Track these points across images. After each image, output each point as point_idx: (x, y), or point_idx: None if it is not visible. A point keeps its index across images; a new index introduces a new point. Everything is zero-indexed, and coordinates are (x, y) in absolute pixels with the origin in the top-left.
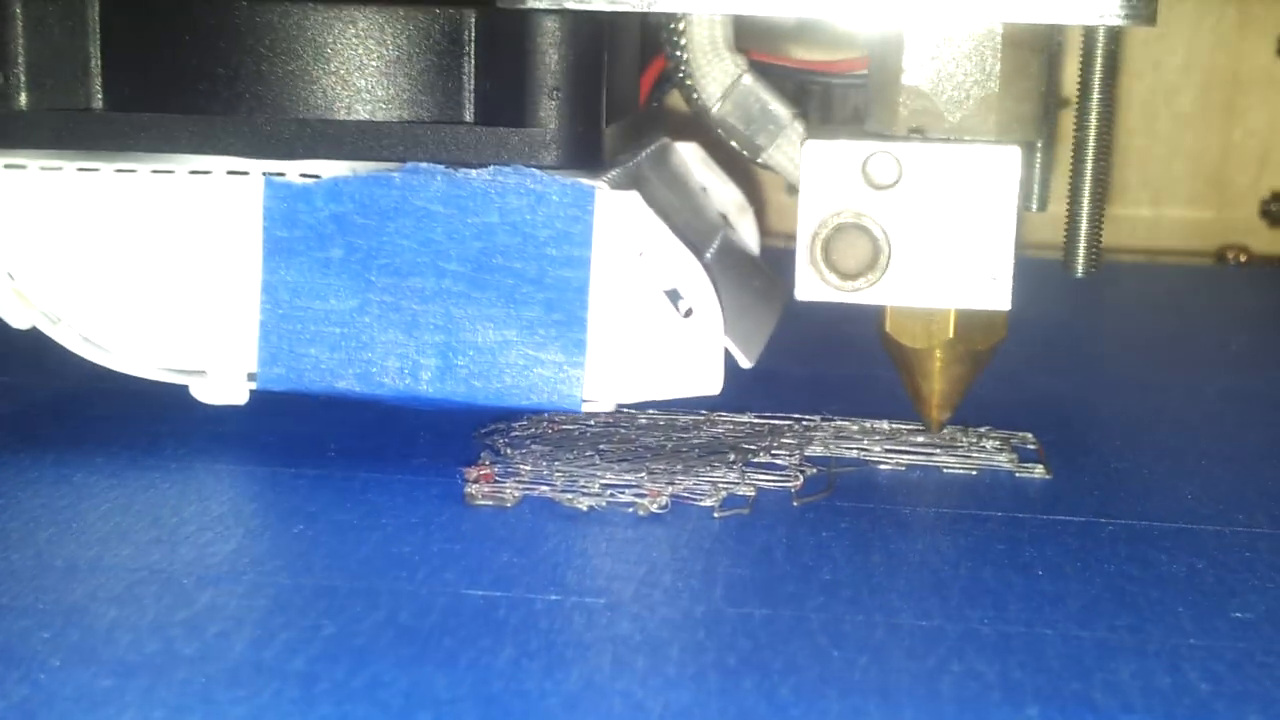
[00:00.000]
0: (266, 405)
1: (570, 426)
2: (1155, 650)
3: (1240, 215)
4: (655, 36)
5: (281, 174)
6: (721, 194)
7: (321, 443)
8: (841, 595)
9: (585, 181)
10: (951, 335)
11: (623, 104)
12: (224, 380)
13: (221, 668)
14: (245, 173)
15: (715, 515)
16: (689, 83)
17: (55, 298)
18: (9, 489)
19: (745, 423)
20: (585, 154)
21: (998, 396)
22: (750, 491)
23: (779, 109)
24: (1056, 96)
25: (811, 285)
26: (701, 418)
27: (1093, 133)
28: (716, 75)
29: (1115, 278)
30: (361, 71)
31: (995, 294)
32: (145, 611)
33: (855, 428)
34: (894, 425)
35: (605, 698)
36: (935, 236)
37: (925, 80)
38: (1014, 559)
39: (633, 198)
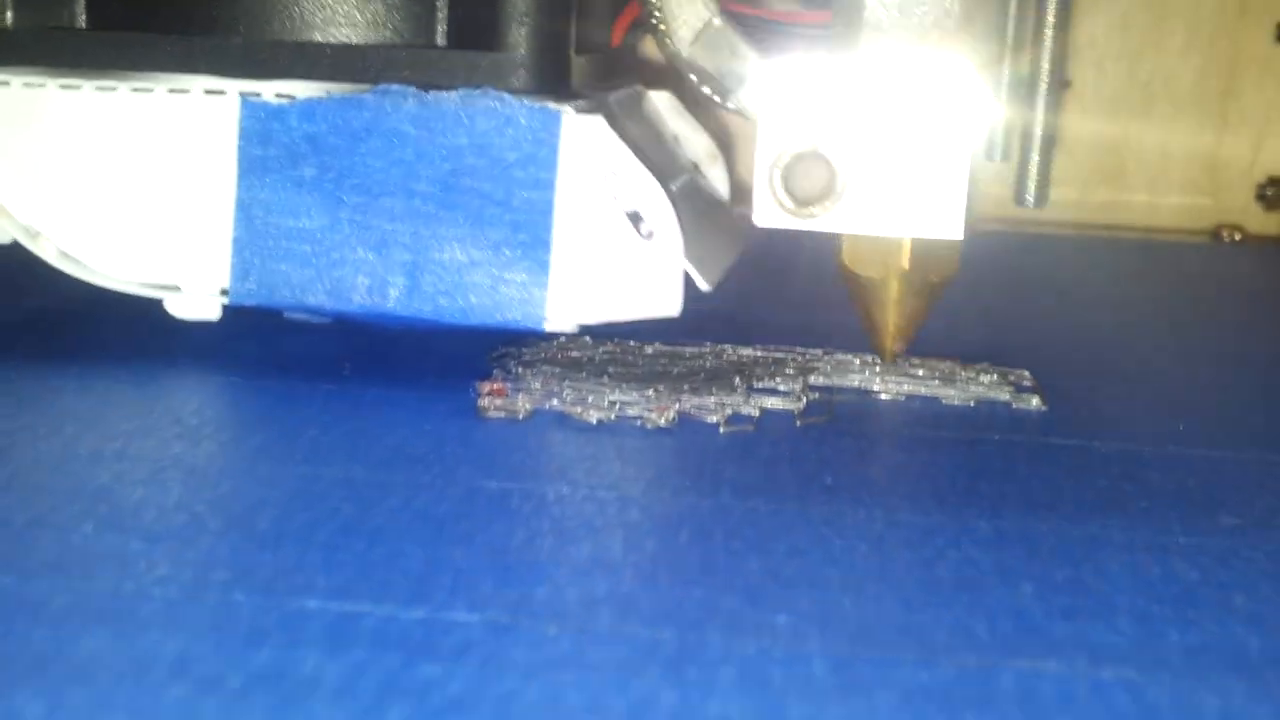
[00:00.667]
0: (281, 328)
1: (578, 354)
2: (1144, 545)
3: (1236, 201)
4: None
5: (258, 94)
6: (694, 142)
7: (335, 363)
8: (843, 496)
9: (552, 105)
10: (906, 266)
11: (593, 39)
12: (198, 295)
13: (247, 537)
14: (222, 92)
15: (721, 430)
16: (662, 27)
17: (35, 213)
18: (35, 392)
19: (749, 354)
20: (554, 79)
21: (996, 340)
22: (754, 411)
23: (749, 54)
24: (1059, 72)
25: (769, 211)
26: (707, 349)
27: (1046, 63)
28: (688, 18)
29: (1112, 252)
30: None
31: (949, 223)
32: (170, 492)
33: (856, 361)
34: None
35: (616, 569)
36: (892, 165)
37: (886, 16)
38: (1009, 473)
39: (597, 122)
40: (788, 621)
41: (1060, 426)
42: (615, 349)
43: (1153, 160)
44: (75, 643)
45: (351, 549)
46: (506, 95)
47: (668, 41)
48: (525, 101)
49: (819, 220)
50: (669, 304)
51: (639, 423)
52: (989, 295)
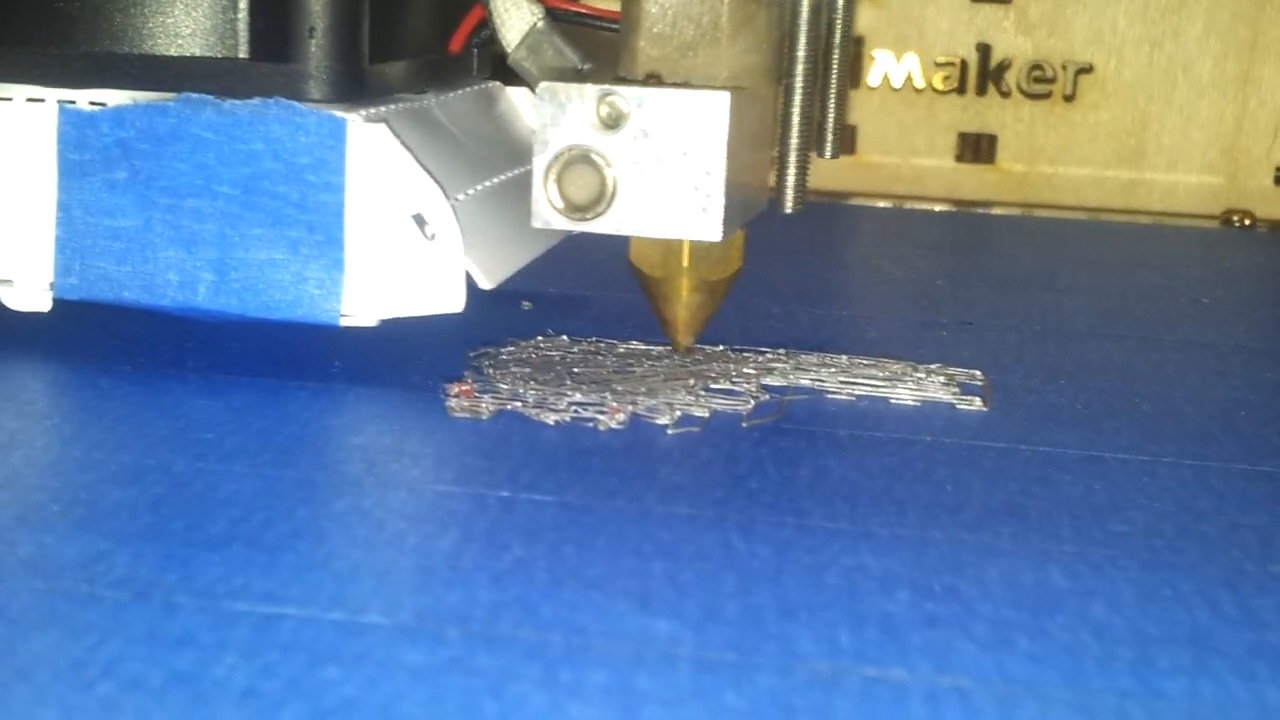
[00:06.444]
0: (283, 327)
1: (553, 353)
2: (1028, 553)
3: (1253, 183)
4: None
5: (73, 102)
6: None
7: (326, 361)
8: (762, 501)
9: (339, 114)
10: (686, 264)
11: (413, 45)
12: (28, 289)
13: (203, 537)
14: (42, 100)
15: (668, 432)
16: (497, 33)
17: None
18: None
19: (715, 353)
20: (346, 89)
21: (961, 339)
22: (705, 413)
23: (570, 55)
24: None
25: (546, 214)
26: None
27: (799, 80)
28: (515, 22)
29: (1119, 239)
30: (146, 9)
31: (707, 226)
32: (149, 492)
33: (815, 360)
34: (853, 360)
35: (531, 572)
36: (657, 173)
37: (661, 29)
38: (927, 477)
39: (380, 130)
40: (668, 628)
41: (994, 428)
42: (590, 348)
43: (1172, 143)
44: (26, 641)
45: (294, 550)
46: (298, 104)
47: (500, 43)
48: (316, 110)
49: (593, 224)
50: (453, 300)
51: (591, 424)
52: (974, 284)
